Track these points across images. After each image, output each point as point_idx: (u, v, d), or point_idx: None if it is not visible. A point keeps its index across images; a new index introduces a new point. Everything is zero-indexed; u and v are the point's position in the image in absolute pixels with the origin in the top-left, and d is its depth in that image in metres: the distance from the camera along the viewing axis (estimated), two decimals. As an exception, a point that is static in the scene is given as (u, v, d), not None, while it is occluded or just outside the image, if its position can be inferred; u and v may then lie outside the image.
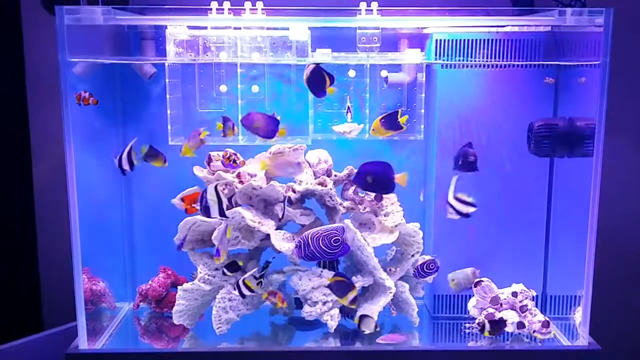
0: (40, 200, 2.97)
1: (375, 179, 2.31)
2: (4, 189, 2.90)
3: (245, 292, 2.30)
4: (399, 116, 2.36)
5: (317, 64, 2.24)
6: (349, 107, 2.51)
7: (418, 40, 2.59)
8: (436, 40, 2.49)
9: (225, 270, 2.38)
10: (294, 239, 2.42)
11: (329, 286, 2.35)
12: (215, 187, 2.22)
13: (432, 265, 2.46)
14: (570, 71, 2.52)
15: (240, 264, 2.41)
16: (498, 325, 2.39)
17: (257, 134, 2.33)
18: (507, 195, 2.61)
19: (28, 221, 2.98)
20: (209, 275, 2.45)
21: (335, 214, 2.47)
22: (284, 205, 2.38)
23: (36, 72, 2.86)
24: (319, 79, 2.24)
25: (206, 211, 2.23)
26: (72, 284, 2.29)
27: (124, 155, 2.31)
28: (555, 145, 2.47)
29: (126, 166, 2.32)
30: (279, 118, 2.31)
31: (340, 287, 2.31)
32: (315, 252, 2.22)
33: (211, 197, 2.21)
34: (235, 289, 2.32)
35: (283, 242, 2.38)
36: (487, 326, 2.39)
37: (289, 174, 2.43)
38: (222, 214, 2.23)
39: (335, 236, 2.22)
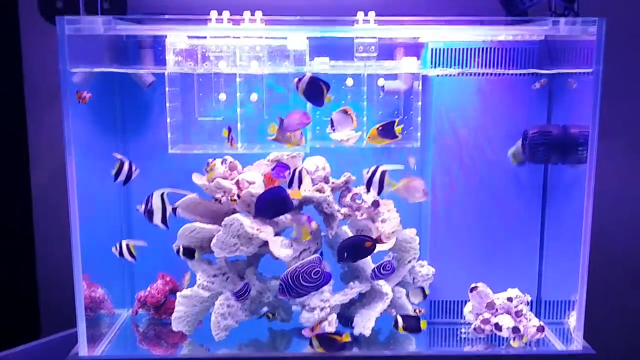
0: (38, 208, 2.98)
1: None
2: (3, 196, 2.91)
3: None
4: (395, 125, 2.39)
5: (312, 75, 2.27)
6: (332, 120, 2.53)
7: (414, 48, 2.63)
8: (432, 49, 2.53)
9: (182, 251, 2.43)
10: (292, 245, 2.44)
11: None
12: (162, 194, 2.30)
13: (388, 267, 2.44)
14: (563, 79, 2.56)
15: (197, 255, 2.44)
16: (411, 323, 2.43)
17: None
18: (502, 201, 2.64)
19: (26, 228, 2.98)
20: (207, 282, 2.46)
21: (332, 220, 2.49)
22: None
23: (35, 79, 2.88)
24: (317, 89, 2.27)
25: (149, 215, 2.30)
26: (70, 291, 2.31)
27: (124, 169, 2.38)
28: (549, 152, 2.50)
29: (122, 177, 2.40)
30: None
31: None
32: (299, 289, 2.26)
33: (156, 204, 2.25)
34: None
35: (281, 249, 2.40)
36: (400, 322, 2.42)
37: (416, 198, 2.44)
38: (164, 221, 2.31)
39: (314, 268, 2.25)
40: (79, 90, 2.29)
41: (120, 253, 2.42)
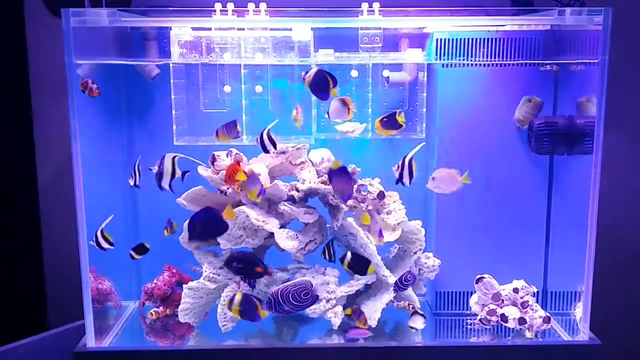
0: (45, 201, 2.99)
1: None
2: (9, 189, 2.92)
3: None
4: (397, 116, 2.39)
5: (319, 68, 2.27)
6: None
7: (419, 39, 2.62)
8: (437, 39, 2.52)
9: (133, 253, 2.48)
10: (297, 237, 2.44)
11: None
12: (174, 158, 2.31)
13: (409, 278, 2.45)
14: (569, 69, 2.55)
15: (147, 246, 2.50)
16: None
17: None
18: (508, 192, 2.64)
19: (33, 221, 3.00)
20: (213, 274, 2.47)
21: (338, 212, 2.49)
22: None
23: (40, 72, 2.88)
24: (323, 82, 2.27)
25: (159, 178, 2.32)
26: (77, 283, 2.32)
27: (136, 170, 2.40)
28: (555, 143, 2.49)
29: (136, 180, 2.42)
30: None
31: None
32: (287, 307, 2.31)
33: (167, 167, 2.29)
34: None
35: (287, 241, 2.40)
36: (348, 257, 2.40)
37: (454, 187, 2.42)
38: (170, 186, 2.33)
39: (305, 290, 2.31)
40: (85, 80, 2.29)
41: (97, 244, 2.40)
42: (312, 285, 2.33)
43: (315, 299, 2.35)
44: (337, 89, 2.30)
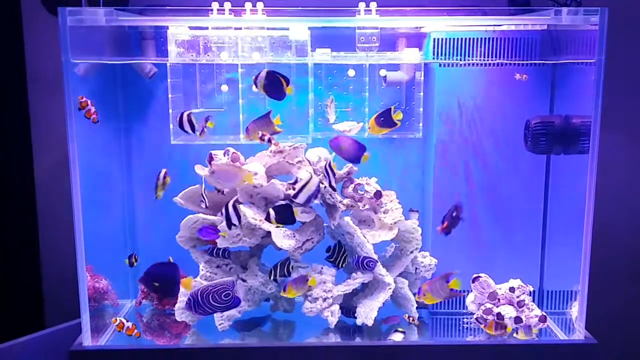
0: (42, 199, 2.99)
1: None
2: (6, 186, 2.92)
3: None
4: (392, 113, 2.39)
5: (269, 69, 2.28)
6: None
7: (416, 39, 2.62)
8: (434, 39, 2.52)
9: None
10: (294, 236, 2.45)
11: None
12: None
13: (371, 264, 2.44)
14: (566, 69, 2.55)
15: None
16: None
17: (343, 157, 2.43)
18: (504, 191, 2.64)
19: (30, 219, 3.00)
20: (210, 273, 2.47)
21: (335, 211, 2.49)
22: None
23: (37, 71, 2.88)
24: (276, 83, 2.27)
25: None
26: (74, 282, 2.32)
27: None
28: (551, 143, 2.50)
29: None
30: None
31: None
32: (206, 307, 2.26)
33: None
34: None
35: (284, 240, 2.41)
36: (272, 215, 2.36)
37: None
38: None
39: (226, 291, 2.25)
40: (85, 100, 2.28)
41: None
42: (234, 286, 2.26)
43: (237, 302, 2.28)
44: (292, 87, 2.30)
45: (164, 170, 2.38)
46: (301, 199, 2.33)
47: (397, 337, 2.43)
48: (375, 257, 2.43)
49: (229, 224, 2.29)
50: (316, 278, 2.46)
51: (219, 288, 2.24)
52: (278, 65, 2.53)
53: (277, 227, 2.37)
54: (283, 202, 2.34)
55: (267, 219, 2.31)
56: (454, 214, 2.40)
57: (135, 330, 2.39)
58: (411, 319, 2.52)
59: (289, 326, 2.60)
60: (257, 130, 2.37)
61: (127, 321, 2.40)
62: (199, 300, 2.24)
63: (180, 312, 2.49)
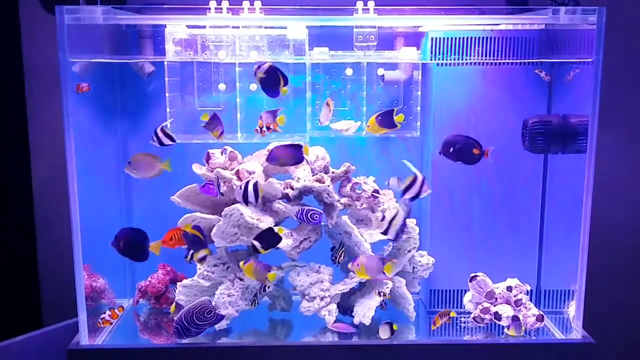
0: (39, 197, 2.98)
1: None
2: (4, 188, 2.92)
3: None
4: (394, 114, 2.39)
5: (272, 65, 2.27)
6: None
7: (414, 38, 2.62)
8: (432, 38, 2.52)
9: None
10: (292, 235, 2.45)
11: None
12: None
13: (315, 217, 2.40)
14: (563, 68, 2.55)
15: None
16: None
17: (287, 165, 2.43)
18: (501, 191, 2.64)
19: (27, 218, 2.99)
20: (207, 272, 2.47)
21: (332, 210, 2.49)
22: None
23: (34, 69, 2.87)
24: (274, 80, 2.27)
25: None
26: (72, 281, 2.32)
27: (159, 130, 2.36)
28: (549, 142, 2.50)
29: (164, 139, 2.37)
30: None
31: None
32: (193, 328, 2.31)
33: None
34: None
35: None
36: None
37: None
38: None
39: (206, 309, 2.31)
40: (78, 83, 2.29)
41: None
42: (211, 302, 2.32)
43: (221, 318, 2.35)
44: (287, 89, 2.30)
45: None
46: (391, 234, 2.36)
47: (384, 333, 2.42)
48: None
49: (246, 201, 2.31)
50: (313, 276, 2.46)
51: (200, 308, 2.30)
52: (276, 64, 2.53)
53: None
54: (261, 228, 2.34)
55: (255, 250, 2.33)
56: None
57: (114, 312, 2.41)
58: (382, 294, 2.48)
59: (286, 325, 2.60)
60: (261, 120, 2.37)
61: (104, 312, 2.40)
62: (186, 325, 2.30)
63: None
